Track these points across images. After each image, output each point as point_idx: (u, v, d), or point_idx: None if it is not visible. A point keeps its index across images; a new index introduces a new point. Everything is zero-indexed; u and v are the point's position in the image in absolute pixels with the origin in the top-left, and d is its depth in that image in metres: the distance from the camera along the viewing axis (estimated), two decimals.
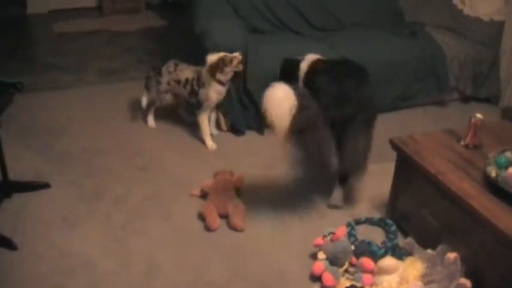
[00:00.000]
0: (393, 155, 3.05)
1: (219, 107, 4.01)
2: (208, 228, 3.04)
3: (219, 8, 4.35)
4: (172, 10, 6.88)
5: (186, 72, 3.91)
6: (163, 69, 3.96)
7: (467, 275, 2.46)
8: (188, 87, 3.89)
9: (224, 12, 4.33)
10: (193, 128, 4.08)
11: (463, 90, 4.71)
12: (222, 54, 3.71)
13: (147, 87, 4.06)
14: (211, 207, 3.11)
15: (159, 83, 3.97)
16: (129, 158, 3.72)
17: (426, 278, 2.53)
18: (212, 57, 3.72)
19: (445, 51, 4.53)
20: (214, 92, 3.79)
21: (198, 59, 3.93)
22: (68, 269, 2.73)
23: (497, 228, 2.29)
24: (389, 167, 3.11)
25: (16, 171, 3.39)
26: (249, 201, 3.28)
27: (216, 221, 3.05)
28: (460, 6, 4.94)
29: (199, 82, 3.83)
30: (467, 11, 4.88)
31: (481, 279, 2.44)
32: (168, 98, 4.05)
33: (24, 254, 2.81)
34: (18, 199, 3.23)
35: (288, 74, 3.57)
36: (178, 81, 3.92)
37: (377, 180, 3.48)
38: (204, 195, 3.26)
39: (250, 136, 4.09)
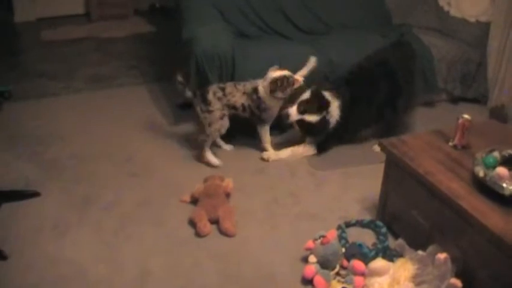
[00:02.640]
0: (383, 156, 3.06)
1: None
2: (199, 234, 3.03)
3: (207, 13, 4.35)
4: (160, 16, 6.90)
5: (238, 96, 3.70)
6: (210, 96, 3.65)
7: (457, 275, 2.47)
8: (248, 112, 3.75)
9: (211, 17, 4.34)
10: (183, 134, 4.09)
11: (451, 91, 4.74)
12: (286, 73, 3.63)
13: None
14: (201, 212, 3.11)
15: (208, 112, 3.68)
16: (120, 165, 3.72)
17: (417, 279, 2.54)
18: (275, 73, 3.62)
19: (433, 53, 4.55)
20: (277, 106, 3.76)
21: (186, 65, 3.94)
22: (59, 277, 2.72)
23: (486, 228, 2.31)
24: (379, 169, 3.13)
25: (5, 180, 3.38)
26: (240, 205, 3.29)
27: (206, 226, 3.05)
28: (446, 7, 4.97)
29: (260, 106, 3.70)
30: (453, 12, 4.92)
31: (471, 279, 2.45)
32: (226, 122, 3.75)
33: (15, 263, 2.80)
34: (8, 208, 3.21)
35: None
36: (234, 107, 3.73)
37: (367, 182, 3.50)
38: (194, 201, 3.26)
39: (240, 141, 4.08)
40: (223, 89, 3.69)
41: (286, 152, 3.89)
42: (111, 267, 2.80)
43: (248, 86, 3.74)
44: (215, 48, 3.86)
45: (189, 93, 3.70)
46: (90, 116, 4.37)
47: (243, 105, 3.72)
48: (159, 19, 6.82)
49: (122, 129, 4.18)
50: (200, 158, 3.77)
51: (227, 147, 3.95)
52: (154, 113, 4.43)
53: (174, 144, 3.99)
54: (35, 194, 3.34)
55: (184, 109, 4.41)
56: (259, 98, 3.69)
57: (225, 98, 3.68)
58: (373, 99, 3.90)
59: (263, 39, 4.53)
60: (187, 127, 4.20)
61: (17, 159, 3.73)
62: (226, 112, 3.70)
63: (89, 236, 3.03)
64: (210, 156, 3.74)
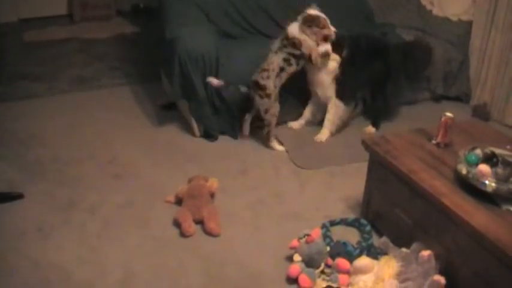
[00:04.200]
0: (367, 155, 3.07)
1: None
2: (183, 234, 3.03)
3: (190, 13, 4.34)
4: (144, 16, 6.87)
5: (275, 59, 3.82)
6: (262, 81, 3.78)
7: (441, 272, 2.49)
8: (285, 71, 3.83)
9: (195, 17, 4.32)
10: (166, 133, 4.08)
11: (434, 90, 4.77)
12: (321, 14, 3.81)
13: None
14: (186, 213, 3.10)
15: (267, 96, 3.81)
16: (103, 166, 3.70)
17: (401, 276, 2.56)
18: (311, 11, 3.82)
19: None
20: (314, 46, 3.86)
21: (169, 65, 3.93)
22: (43, 280, 2.70)
23: (469, 225, 2.33)
24: (363, 168, 3.14)
25: None
26: (224, 205, 3.29)
27: (191, 227, 3.04)
28: (429, 7, 5.00)
29: (296, 53, 3.82)
30: (436, 11, 4.95)
31: (455, 276, 2.47)
32: (278, 105, 3.92)
33: None
34: None
35: None
36: (281, 69, 3.81)
37: (351, 181, 3.52)
38: (178, 202, 3.26)
39: (224, 141, 4.08)
40: (263, 70, 3.79)
41: (328, 125, 4.09)
42: (95, 269, 2.79)
43: (275, 43, 3.87)
44: (199, 49, 3.86)
45: (244, 89, 3.87)
46: (73, 118, 4.34)
47: (281, 67, 3.80)
48: (142, 20, 6.79)
49: (105, 130, 4.16)
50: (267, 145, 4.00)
51: (279, 147, 4.00)
52: (137, 114, 4.41)
53: (158, 145, 3.98)
54: (18, 196, 3.31)
55: (168, 110, 4.41)
56: (290, 39, 3.81)
57: (270, 72, 3.77)
58: (366, 68, 4.11)
59: (247, 40, 4.52)
60: (171, 128, 4.20)
61: (0, 161, 3.70)
62: (277, 91, 3.84)
63: (73, 238, 3.01)
64: (276, 145, 3.98)
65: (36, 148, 3.88)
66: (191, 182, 3.30)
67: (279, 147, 3.96)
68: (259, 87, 3.78)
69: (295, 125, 4.26)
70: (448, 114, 2.90)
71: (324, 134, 4.08)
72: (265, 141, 3.98)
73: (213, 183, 3.30)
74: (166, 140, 4.04)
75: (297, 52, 3.81)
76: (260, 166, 3.76)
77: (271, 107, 3.84)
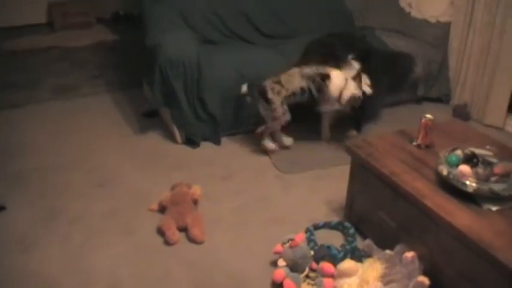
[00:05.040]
0: (349, 158, 3.09)
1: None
2: (168, 242, 3.02)
3: (170, 20, 4.34)
4: (124, 24, 6.85)
5: (297, 81, 3.73)
6: (269, 94, 3.68)
7: (425, 272, 2.51)
8: (306, 95, 3.76)
9: (175, 24, 4.33)
10: (149, 140, 4.08)
11: (414, 91, 4.80)
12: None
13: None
14: (169, 220, 3.09)
15: (271, 110, 3.72)
16: (86, 175, 3.68)
17: (386, 278, 2.57)
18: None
19: None
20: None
21: (150, 72, 3.92)
22: None
23: (451, 225, 2.34)
24: (346, 171, 3.15)
25: None
26: (208, 212, 3.28)
27: (175, 234, 3.03)
28: (407, 9, 5.04)
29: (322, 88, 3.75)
30: (414, 13, 4.99)
31: (439, 276, 2.49)
32: (287, 115, 3.80)
33: None
34: None
35: None
36: (294, 94, 3.73)
37: (334, 184, 3.53)
38: (162, 209, 3.25)
39: (206, 147, 4.08)
40: (279, 82, 3.71)
41: None
42: (79, 280, 2.77)
43: (308, 70, 3.76)
44: (179, 55, 3.86)
45: (249, 99, 3.80)
46: (55, 127, 4.32)
47: (302, 89, 3.73)
48: (122, 27, 6.78)
49: (87, 139, 4.13)
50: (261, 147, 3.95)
51: (288, 141, 3.99)
52: (119, 122, 4.39)
53: (141, 152, 3.97)
54: (0, 208, 3.28)
55: (150, 117, 4.40)
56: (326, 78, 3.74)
57: (283, 89, 3.69)
58: None
59: (228, 45, 4.53)
60: (153, 136, 4.19)
61: None
62: (286, 106, 3.74)
63: (57, 249, 2.99)
64: (269, 143, 3.91)
65: (18, 158, 3.86)
66: (174, 189, 3.30)
67: (271, 146, 3.91)
68: (264, 98, 3.70)
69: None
70: (428, 116, 2.92)
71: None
72: (258, 139, 3.94)
73: (196, 190, 3.30)
74: (148, 147, 4.03)
75: (323, 87, 3.74)
76: (243, 171, 3.76)
77: (276, 118, 3.78)
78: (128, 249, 3.00)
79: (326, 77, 3.73)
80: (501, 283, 2.17)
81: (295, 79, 3.72)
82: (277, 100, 3.68)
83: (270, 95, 3.67)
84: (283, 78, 3.72)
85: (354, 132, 4.28)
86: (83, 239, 3.07)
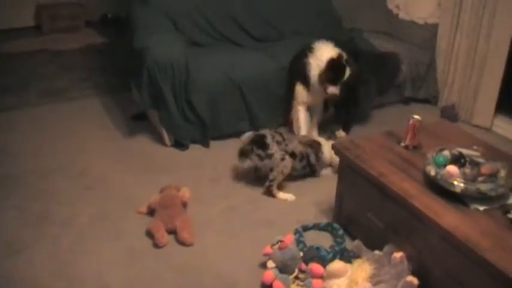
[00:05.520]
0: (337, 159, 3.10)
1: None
2: (157, 245, 3.01)
3: (158, 23, 4.34)
4: (112, 27, 6.83)
5: (295, 144, 3.62)
6: (268, 140, 3.50)
7: (414, 272, 2.52)
8: (304, 161, 3.65)
9: (163, 27, 4.32)
10: (137, 143, 4.07)
11: (402, 92, 4.82)
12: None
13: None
14: (158, 223, 3.09)
15: (268, 156, 3.48)
16: (74, 178, 3.66)
17: (375, 279, 2.58)
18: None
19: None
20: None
21: (138, 75, 3.92)
22: None
23: (439, 225, 2.36)
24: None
25: None
26: (197, 214, 3.28)
27: (164, 237, 3.03)
28: (395, 11, 5.07)
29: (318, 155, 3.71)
30: (402, 15, 5.03)
31: (427, 276, 2.50)
32: (288, 162, 3.53)
33: None
34: None
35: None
36: (292, 154, 3.56)
37: (323, 185, 3.54)
38: (151, 212, 3.24)
39: (195, 149, 4.08)
40: (280, 134, 3.61)
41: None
42: (69, 284, 2.75)
43: (303, 138, 3.79)
44: (167, 58, 3.85)
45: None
46: (43, 130, 4.29)
47: (300, 153, 3.61)
48: (111, 30, 6.75)
49: (75, 142, 4.11)
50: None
51: (288, 196, 3.56)
52: (108, 125, 4.38)
53: (129, 155, 3.96)
54: None
55: (138, 120, 4.39)
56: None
57: (284, 142, 3.56)
58: None
59: (216, 48, 4.53)
60: (141, 138, 4.18)
61: None
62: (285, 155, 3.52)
63: (45, 253, 2.97)
64: (284, 196, 3.55)
65: (5, 162, 3.83)
66: (163, 192, 3.29)
67: (288, 196, 3.54)
68: (261, 144, 3.51)
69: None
70: (416, 116, 2.93)
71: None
72: (267, 192, 3.58)
73: (185, 192, 3.29)
74: (137, 150, 4.02)
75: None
76: (232, 174, 3.76)
77: (276, 166, 3.50)
78: (116, 252, 2.99)
79: (317, 144, 3.76)
80: (488, 283, 2.18)
81: (296, 144, 3.64)
82: (274, 146, 3.49)
83: (268, 140, 3.51)
84: (286, 134, 3.71)
85: (342, 133, 4.29)
86: (72, 242, 3.06)
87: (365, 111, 4.57)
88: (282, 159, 3.49)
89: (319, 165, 3.73)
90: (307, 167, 3.68)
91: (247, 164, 3.52)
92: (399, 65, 4.54)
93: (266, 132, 3.58)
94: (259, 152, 3.48)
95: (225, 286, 2.77)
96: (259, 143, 3.51)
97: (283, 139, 3.57)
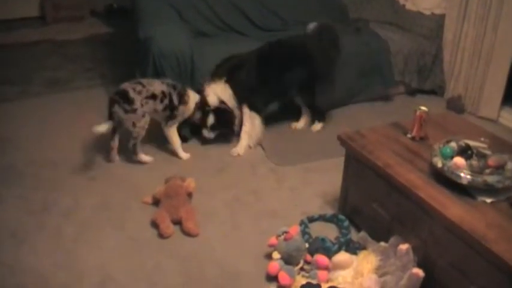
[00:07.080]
0: (343, 150, 3.07)
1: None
2: (162, 235, 3.01)
3: (163, 13, 4.32)
4: (117, 17, 6.81)
5: (156, 86, 3.66)
6: (131, 94, 3.54)
7: (419, 264, 2.50)
8: (166, 101, 3.67)
9: (168, 17, 4.31)
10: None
11: (408, 84, 4.80)
12: None
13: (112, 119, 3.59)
14: (163, 213, 3.08)
15: (132, 111, 3.56)
16: (78, 169, 3.66)
17: (380, 270, 2.57)
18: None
19: (390, 46, 4.59)
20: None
21: (143, 65, 3.90)
22: (19, 285, 2.67)
23: (444, 217, 2.34)
24: (340, 163, 3.15)
25: None
26: (202, 205, 3.27)
27: (169, 228, 3.02)
28: (402, 1, 5.04)
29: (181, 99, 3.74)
30: (409, 6, 4.99)
31: (432, 268, 2.48)
32: (147, 119, 3.65)
33: None
34: None
35: None
36: (153, 96, 3.61)
37: (328, 176, 3.52)
38: (156, 202, 3.23)
39: (200, 140, 4.06)
40: (139, 82, 3.65)
41: (245, 138, 3.92)
42: (71, 274, 2.75)
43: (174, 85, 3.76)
44: (173, 48, 3.84)
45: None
46: (47, 121, 4.29)
47: (163, 92, 3.65)
48: (116, 20, 6.74)
49: (79, 133, 4.09)
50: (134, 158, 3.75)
51: (147, 158, 3.77)
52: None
53: None
54: None
55: None
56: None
57: (145, 89, 3.60)
58: (287, 72, 3.95)
59: (221, 37, 4.53)
60: None
61: None
62: (146, 109, 3.59)
63: (49, 243, 2.97)
64: (144, 157, 3.74)
65: (9, 152, 3.83)
66: (168, 182, 3.28)
67: (148, 158, 3.75)
68: (126, 98, 3.54)
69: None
70: (423, 108, 2.91)
71: (241, 147, 3.90)
72: (131, 155, 3.73)
73: (190, 183, 3.28)
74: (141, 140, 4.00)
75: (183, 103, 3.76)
76: (237, 164, 3.75)
77: (138, 121, 3.60)
78: (120, 242, 2.99)
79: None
80: (494, 275, 2.16)
81: (157, 84, 3.69)
82: (137, 100, 3.55)
83: (132, 94, 3.55)
84: (145, 81, 3.70)
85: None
86: (75, 233, 3.06)
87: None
88: (143, 115, 3.58)
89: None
90: (168, 109, 3.69)
91: (103, 127, 3.51)
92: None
93: (126, 86, 3.60)
94: (125, 105, 3.53)
95: (229, 277, 2.76)
96: (124, 97, 3.55)
97: (143, 86, 3.60)
